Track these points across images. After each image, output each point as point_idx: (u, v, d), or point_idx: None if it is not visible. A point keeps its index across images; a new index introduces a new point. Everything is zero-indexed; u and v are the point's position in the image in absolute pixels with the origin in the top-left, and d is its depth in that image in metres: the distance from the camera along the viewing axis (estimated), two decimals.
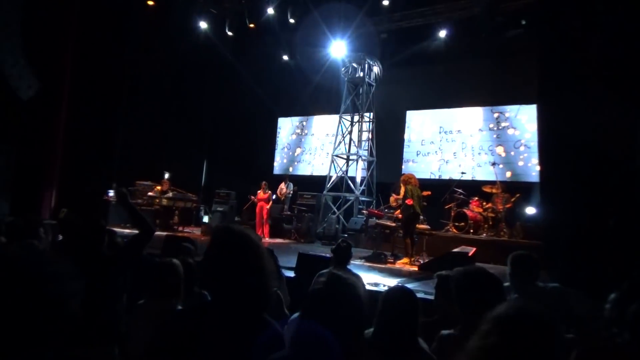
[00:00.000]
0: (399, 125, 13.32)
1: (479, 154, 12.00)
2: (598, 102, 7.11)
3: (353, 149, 12.70)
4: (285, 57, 13.41)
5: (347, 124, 12.96)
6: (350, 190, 12.30)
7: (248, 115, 15.08)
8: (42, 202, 10.20)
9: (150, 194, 11.19)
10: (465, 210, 10.17)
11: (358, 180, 12.40)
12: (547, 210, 8.52)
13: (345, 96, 12.90)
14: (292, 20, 11.99)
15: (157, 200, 10.94)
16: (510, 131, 11.65)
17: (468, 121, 12.31)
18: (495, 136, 11.87)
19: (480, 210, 10.18)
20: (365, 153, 12.83)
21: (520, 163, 11.36)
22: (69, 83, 10.63)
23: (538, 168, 10.57)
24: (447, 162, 12.44)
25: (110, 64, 11.62)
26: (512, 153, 11.53)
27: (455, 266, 2.46)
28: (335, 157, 12.91)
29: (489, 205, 10.17)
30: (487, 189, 10.37)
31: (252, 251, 1.53)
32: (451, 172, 12.03)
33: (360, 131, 12.73)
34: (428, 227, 9.52)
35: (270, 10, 11.96)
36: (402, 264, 8.13)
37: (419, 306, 2.07)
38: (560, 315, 2.67)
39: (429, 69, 12.61)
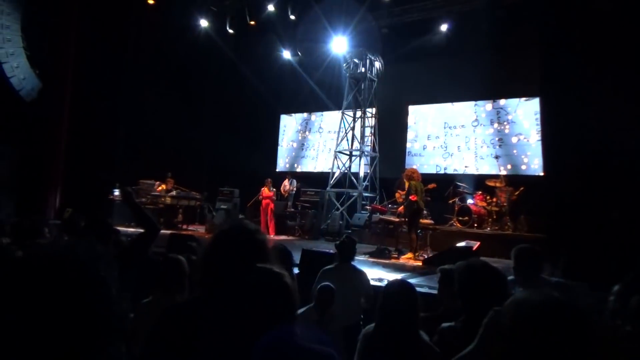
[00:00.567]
0: (402, 120, 13.29)
1: (482, 147, 11.97)
2: (601, 94, 7.09)
3: (356, 145, 12.69)
4: (287, 54, 13.40)
5: (350, 119, 12.94)
6: (354, 186, 12.30)
7: (250, 113, 15.09)
8: (47, 202, 10.26)
9: (154, 192, 11.22)
10: (469, 205, 10.15)
11: (361, 176, 12.40)
12: (551, 204, 8.51)
13: (347, 92, 12.88)
14: (292, 17, 11.97)
15: (162, 199, 10.98)
16: (511, 125, 11.61)
17: (469, 115, 12.27)
18: (496, 130, 11.83)
19: (484, 204, 10.16)
20: (368, 149, 12.82)
21: (522, 157, 11.31)
22: (70, 83, 10.66)
23: (539, 161, 10.56)
24: (451, 155, 12.38)
25: (112, 63, 11.65)
26: (514, 147, 11.49)
27: (459, 260, 2.46)
28: (337, 153, 12.90)
29: (493, 199, 10.15)
30: (490, 183, 10.35)
31: (257, 248, 1.52)
32: (455, 166, 12.02)
33: (363, 127, 12.72)
34: (432, 221, 9.52)
35: (271, 7, 11.96)
36: (407, 259, 8.13)
37: (419, 299, 2.08)
38: None
39: (431, 63, 12.56)
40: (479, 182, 10.55)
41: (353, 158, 12.75)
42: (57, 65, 10.34)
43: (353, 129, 12.81)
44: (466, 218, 10.08)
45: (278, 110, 15.68)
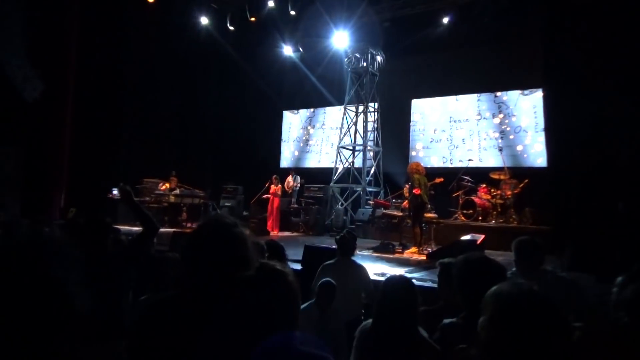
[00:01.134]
0: (404, 114, 13.21)
1: (485, 139, 11.90)
2: (606, 84, 7.02)
3: (358, 140, 12.64)
4: (288, 50, 13.35)
5: (352, 114, 12.89)
6: (357, 182, 12.27)
7: (252, 109, 15.08)
8: (52, 202, 10.31)
9: (157, 191, 11.24)
10: (473, 198, 10.10)
11: (364, 171, 12.36)
12: (556, 196, 8.45)
13: (349, 87, 12.83)
14: (293, 12, 11.91)
15: (165, 198, 11.00)
16: (514, 117, 11.52)
17: (473, 108, 12.19)
18: (499, 122, 11.75)
19: (489, 197, 10.11)
20: (371, 143, 12.78)
21: (526, 149, 11.23)
22: (72, 83, 10.68)
23: (544, 153, 10.47)
24: (457, 147, 12.30)
25: (113, 62, 11.66)
26: (517, 140, 11.40)
27: (464, 254, 2.42)
28: (340, 148, 12.87)
29: (497, 192, 10.09)
30: (495, 176, 10.29)
31: (233, 241, 1.50)
32: (459, 159, 11.97)
33: (365, 121, 12.66)
34: (436, 215, 9.49)
35: (271, 3, 11.91)
36: (411, 253, 8.12)
37: (418, 295, 2.05)
38: (570, 304, 2.65)
39: (433, 56, 12.46)
40: (483, 175, 10.49)
41: (356, 153, 12.71)
42: (58, 65, 10.35)
43: (356, 123, 12.76)
44: (471, 211, 10.03)
45: (280, 107, 15.65)
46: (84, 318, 1.01)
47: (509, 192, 9.86)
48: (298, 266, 5.42)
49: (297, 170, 13.56)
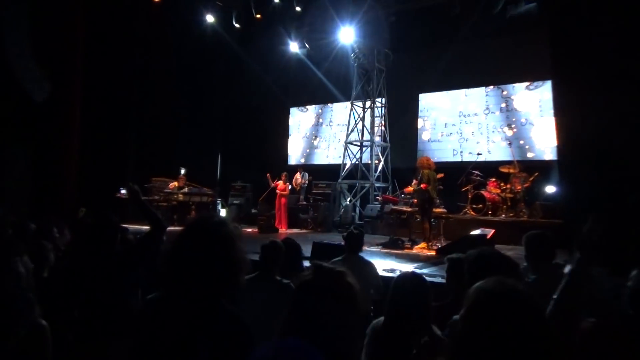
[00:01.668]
0: (412, 109, 13.13)
1: (493, 132, 11.80)
2: (614, 77, 6.90)
3: (366, 136, 12.59)
4: (294, 47, 13.31)
5: (359, 110, 12.84)
6: (365, 178, 12.23)
7: (259, 107, 15.06)
8: (62, 202, 10.38)
9: (166, 190, 11.29)
10: (482, 192, 10.02)
11: (372, 166, 12.31)
12: (566, 189, 8.34)
13: (355, 82, 12.77)
14: (298, 9, 11.87)
15: (174, 196, 11.04)
16: (523, 110, 11.40)
17: (481, 102, 12.09)
18: (508, 115, 11.64)
19: (498, 191, 10.02)
20: (379, 139, 12.72)
21: (536, 142, 11.12)
22: (80, 83, 10.74)
23: (553, 145, 10.35)
24: (467, 140, 12.20)
25: (120, 62, 11.71)
26: (527, 133, 11.28)
27: (474, 249, 2.39)
28: (348, 144, 12.82)
29: (507, 185, 10.00)
30: (504, 170, 10.20)
31: (219, 241, 1.49)
32: (469, 153, 11.89)
33: (373, 117, 12.60)
34: (445, 210, 9.42)
35: (276, 0, 11.88)
36: (420, 248, 8.08)
37: (430, 292, 2.02)
38: (581, 298, 2.60)
39: (439, 50, 12.31)
40: (493, 169, 10.40)
41: (364, 149, 12.66)
42: (66, 65, 10.41)
43: (363, 119, 12.70)
44: (480, 206, 9.96)
45: (287, 104, 15.63)
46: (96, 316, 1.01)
47: (518, 186, 9.77)
48: (307, 263, 5.41)
49: (305, 167, 13.54)
